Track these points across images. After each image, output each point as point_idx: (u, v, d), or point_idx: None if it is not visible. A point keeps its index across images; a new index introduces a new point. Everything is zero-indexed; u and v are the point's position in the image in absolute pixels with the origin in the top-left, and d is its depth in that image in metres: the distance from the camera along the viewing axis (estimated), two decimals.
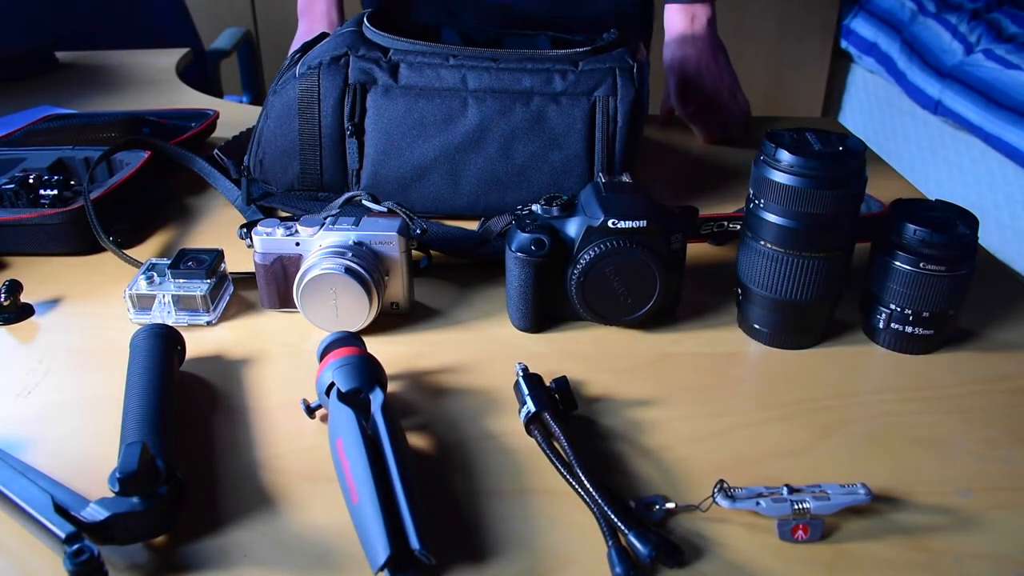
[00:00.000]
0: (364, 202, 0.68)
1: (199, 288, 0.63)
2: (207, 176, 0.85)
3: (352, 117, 0.74)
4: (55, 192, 0.75)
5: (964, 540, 0.45)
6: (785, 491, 0.45)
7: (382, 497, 0.42)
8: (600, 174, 0.63)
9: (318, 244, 0.62)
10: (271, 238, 0.62)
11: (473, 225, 0.74)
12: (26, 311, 0.65)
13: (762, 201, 0.58)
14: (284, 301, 0.64)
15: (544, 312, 0.63)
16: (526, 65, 0.74)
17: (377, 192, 0.75)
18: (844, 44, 2.73)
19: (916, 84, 2.30)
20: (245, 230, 0.75)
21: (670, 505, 0.46)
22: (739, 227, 0.65)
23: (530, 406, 0.51)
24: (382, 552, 0.40)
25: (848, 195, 0.56)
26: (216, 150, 0.87)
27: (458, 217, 0.77)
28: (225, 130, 1.03)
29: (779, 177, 0.56)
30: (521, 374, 0.54)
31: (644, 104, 0.75)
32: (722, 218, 0.67)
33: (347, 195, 0.69)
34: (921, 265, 0.57)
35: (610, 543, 0.43)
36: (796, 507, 0.44)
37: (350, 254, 0.60)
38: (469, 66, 0.74)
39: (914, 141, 2.41)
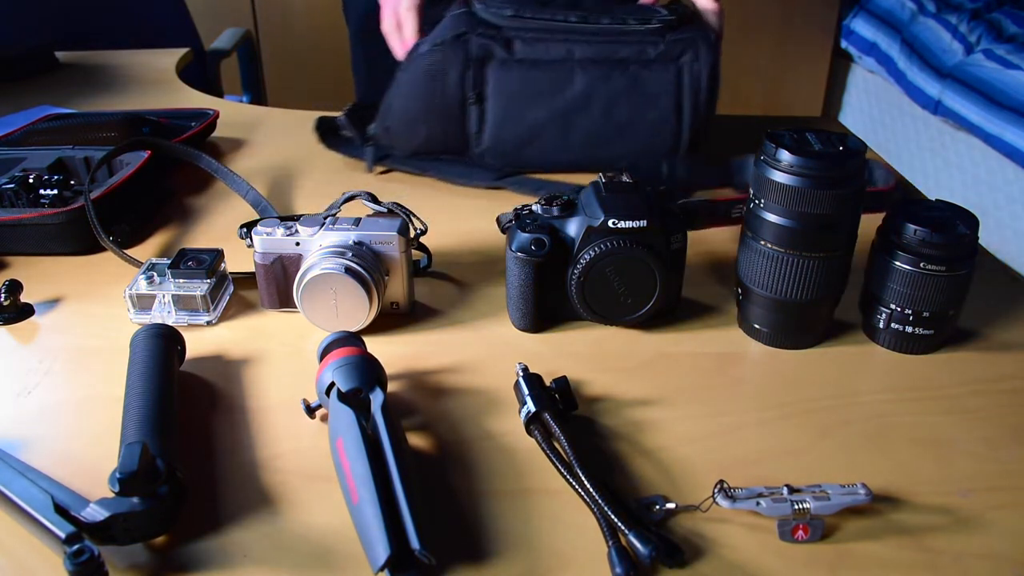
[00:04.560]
0: (364, 202, 0.68)
1: (199, 288, 0.63)
2: (215, 172, 0.85)
3: (474, 87, 0.85)
4: (55, 192, 0.75)
5: (964, 540, 0.45)
6: (785, 491, 0.45)
7: (382, 497, 0.42)
8: (600, 174, 0.63)
9: (318, 244, 0.62)
10: (271, 238, 0.62)
11: (582, 178, 0.80)
12: (26, 311, 0.65)
13: (762, 201, 0.58)
14: (284, 301, 0.64)
15: (544, 312, 0.63)
16: (622, 37, 0.84)
17: (496, 152, 0.88)
18: (844, 44, 2.73)
19: (916, 84, 2.30)
20: (245, 230, 0.75)
21: (670, 505, 0.46)
22: None
23: (530, 406, 0.51)
24: (382, 552, 0.40)
25: (848, 195, 0.56)
26: (343, 115, 0.95)
27: (569, 171, 0.88)
28: (225, 130, 1.03)
29: (779, 177, 0.56)
30: (521, 374, 0.54)
31: (719, 68, 0.86)
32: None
33: (347, 194, 0.69)
34: (921, 265, 0.57)
35: (610, 543, 0.43)
36: (796, 507, 0.44)
37: (350, 254, 0.60)
38: (574, 39, 0.84)
39: (914, 141, 2.41)
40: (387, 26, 0.93)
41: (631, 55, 0.84)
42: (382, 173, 0.92)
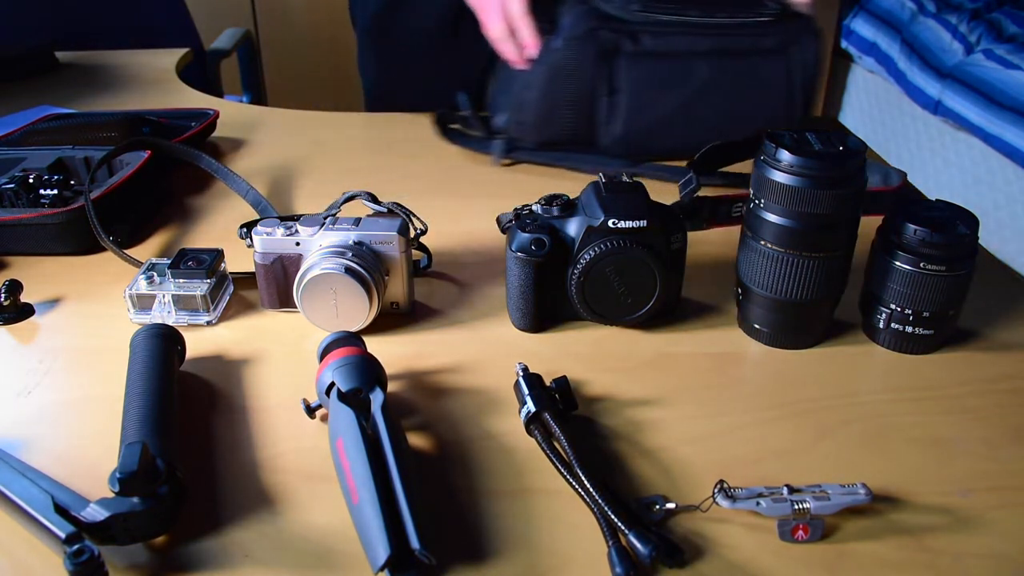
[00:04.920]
0: (364, 202, 0.68)
1: (199, 288, 0.63)
2: (215, 172, 0.85)
3: (606, 80, 0.88)
4: (55, 192, 0.75)
5: (964, 540, 0.45)
6: (785, 491, 0.45)
7: (382, 497, 0.42)
8: (601, 174, 0.63)
9: (318, 244, 0.62)
10: (271, 238, 0.62)
11: None
12: (26, 311, 0.65)
13: (762, 201, 0.58)
14: (284, 301, 0.64)
15: (544, 312, 0.63)
16: (737, 30, 0.89)
17: (626, 142, 0.91)
18: (844, 44, 2.73)
19: (916, 84, 2.30)
20: (245, 230, 0.75)
21: (670, 505, 0.46)
22: None
23: (530, 406, 0.51)
24: (382, 552, 0.40)
25: (848, 195, 0.56)
26: (469, 111, 0.99)
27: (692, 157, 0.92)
28: (225, 130, 1.03)
29: (779, 177, 0.56)
30: (521, 374, 0.54)
31: (822, 56, 0.92)
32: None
33: (347, 194, 0.69)
34: (921, 265, 0.57)
35: (610, 543, 0.43)
36: (796, 507, 0.44)
37: (350, 254, 0.60)
38: (696, 32, 0.89)
39: (914, 141, 2.41)
40: (497, 32, 0.94)
41: (747, 47, 0.89)
42: (507, 165, 0.95)
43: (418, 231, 0.69)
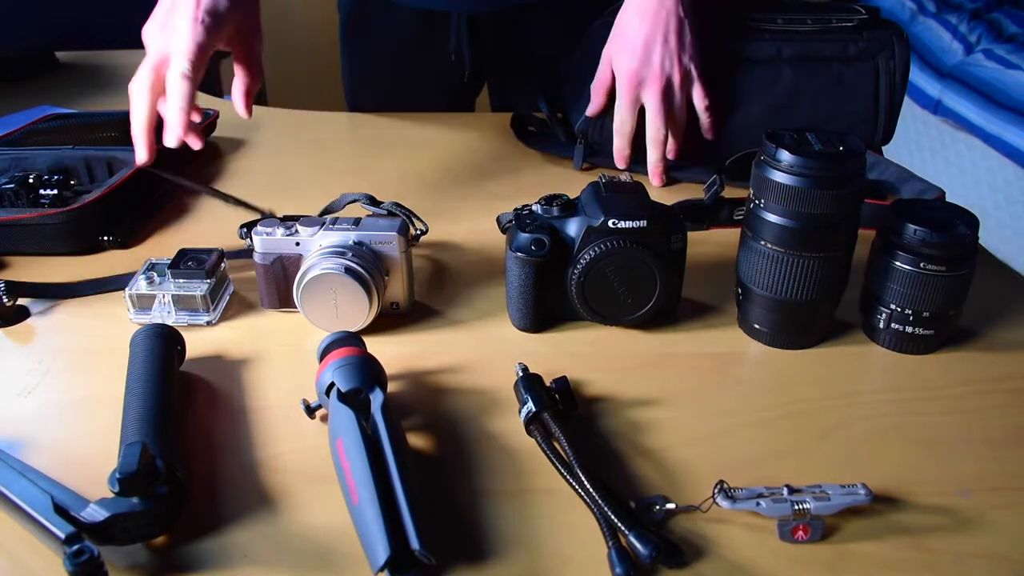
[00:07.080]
0: (364, 205, 0.69)
1: (199, 288, 0.63)
2: (200, 190, 0.85)
3: None
4: (55, 192, 0.75)
5: (964, 540, 0.45)
6: (785, 491, 0.45)
7: (382, 497, 0.42)
8: (602, 175, 0.63)
9: (318, 244, 0.62)
10: (271, 238, 0.62)
11: None
12: (21, 313, 0.65)
13: (762, 201, 0.58)
14: (284, 301, 0.64)
15: (544, 312, 0.63)
16: (825, 36, 0.88)
17: (710, 147, 0.89)
18: None
19: (916, 84, 2.30)
20: (245, 230, 0.75)
21: (670, 505, 0.46)
22: None
23: (530, 406, 0.51)
24: (382, 552, 0.40)
25: (848, 195, 0.56)
26: (549, 114, 0.98)
27: None
28: (225, 130, 1.03)
29: (779, 177, 0.56)
30: (521, 374, 0.54)
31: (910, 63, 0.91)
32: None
33: (347, 198, 0.69)
34: (921, 265, 0.57)
35: (610, 543, 0.43)
36: (796, 507, 0.44)
37: (350, 254, 0.60)
38: (783, 38, 0.87)
39: (914, 141, 2.41)
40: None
41: (833, 53, 0.87)
42: (586, 170, 0.93)
43: (418, 232, 0.69)
